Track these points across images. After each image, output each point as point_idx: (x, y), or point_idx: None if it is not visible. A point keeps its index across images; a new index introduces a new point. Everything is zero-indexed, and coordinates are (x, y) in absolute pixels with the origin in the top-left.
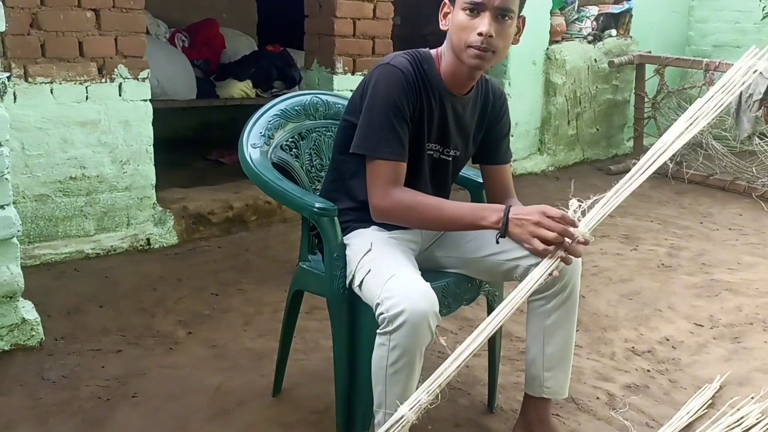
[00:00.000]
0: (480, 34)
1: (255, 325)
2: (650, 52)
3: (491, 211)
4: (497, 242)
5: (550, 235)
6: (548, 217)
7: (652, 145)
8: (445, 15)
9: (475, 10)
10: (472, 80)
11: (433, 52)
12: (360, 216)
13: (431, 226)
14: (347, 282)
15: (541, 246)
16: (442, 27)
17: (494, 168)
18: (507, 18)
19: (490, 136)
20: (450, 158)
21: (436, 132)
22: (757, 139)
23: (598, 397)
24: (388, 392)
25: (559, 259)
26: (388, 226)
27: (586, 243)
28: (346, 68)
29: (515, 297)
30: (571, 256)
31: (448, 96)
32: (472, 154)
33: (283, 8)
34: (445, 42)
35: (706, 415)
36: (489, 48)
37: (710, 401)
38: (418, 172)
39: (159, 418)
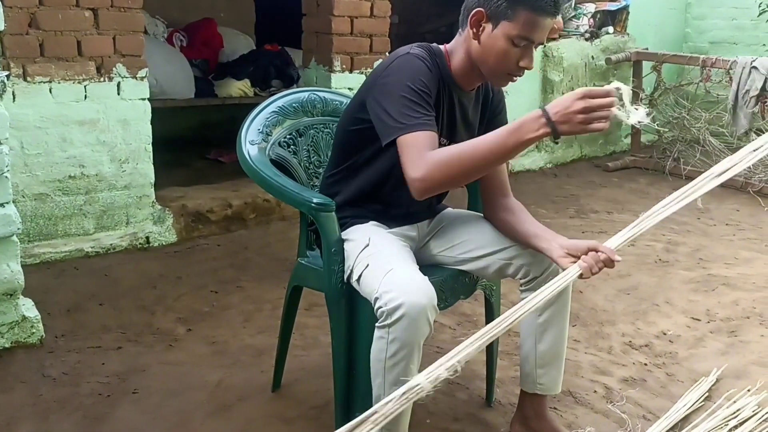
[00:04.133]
0: (523, 67)
1: (254, 321)
2: (647, 48)
3: (531, 123)
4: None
5: (603, 113)
6: (591, 97)
7: (649, 141)
8: (478, 25)
9: (523, 44)
10: (481, 81)
11: (442, 47)
12: (358, 212)
13: (477, 169)
14: (345, 277)
15: (601, 125)
16: (472, 36)
17: None
18: (538, 47)
19: (490, 127)
20: None
21: (444, 124)
22: (754, 134)
23: (595, 391)
24: (387, 385)
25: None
26: (385, 222)
27: (612, 264)
28: (344, 66)
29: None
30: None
31: (457, 90)
32: None
33: (280, 7)
34: (459, 43)
35: (703, 407)
36: (522, 75)
37: (707, 394)
38: None
39: (159, 414)
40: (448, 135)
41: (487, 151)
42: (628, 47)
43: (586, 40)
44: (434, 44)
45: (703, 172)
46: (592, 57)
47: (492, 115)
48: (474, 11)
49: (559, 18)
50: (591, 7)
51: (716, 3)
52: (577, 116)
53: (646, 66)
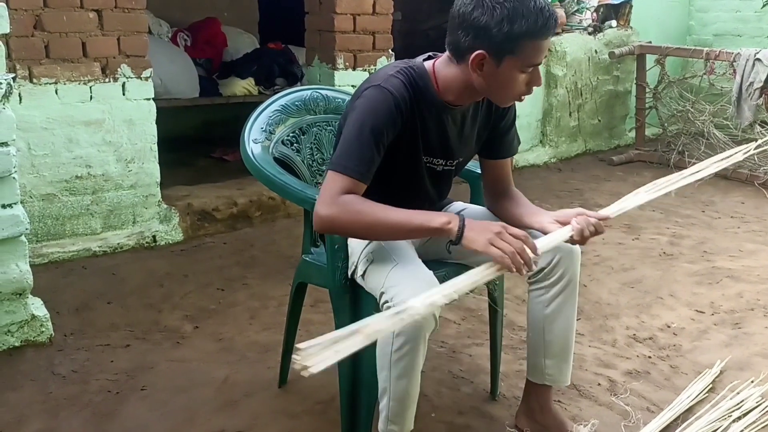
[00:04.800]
0: (532, 87)
1: (260, 318)
2: (651, 42)
3: (444, 216)
4: (448, 251)
5: (508, 248)
6: (510, 233)
7: (654, 135)
8: (481, 65)
9: (530, 69)
10: (475, 100)
11: (428, 65)
12: None
13: (378, 232)
14: (349, 273)
15: (498, 254)
16: (474, 71)
17: (495, 162)
18: None
19: (495, 133)
20: (454, 166)
21: (437, 146)
22: (758, 127)
23: (599, 384)
24: (393, 378)
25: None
26: None
27: (602, 229)
28: (347, 64)
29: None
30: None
31: (446, 110)
32: (475, 153)
33: (283, 5)
34: (450, 68)
35: (707, 399)
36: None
37: (710, 386)
38: (416, 186)
39: (167, 411)
40: (443, 155)
41: (395, 219)
42: (631, 41)
43: (590, 34)
44: (419, 63)
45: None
46: (596, 51)
47: (499, 118)
48: (474, 54)
49: (562, 12)
50: (594, 1)
51: None
52: (489, 233)
53: (650, 59)
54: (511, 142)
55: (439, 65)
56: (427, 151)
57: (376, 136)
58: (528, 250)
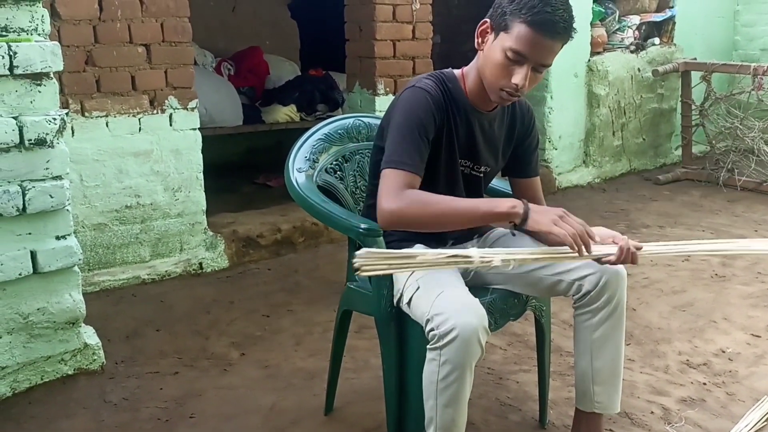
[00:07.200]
0: (515, 84)
1: (306, 345)
2: (695, 58)
3: (508, 200)
4: (513, 234)
5: (570, 229)
6: (571, 218)
7: (701, 153)
8: (483, 35)
9: (517, 60)
10: None
11: (457, 72)
12: (404, 236)
13: (447, 221)
14: (395, 300)
15: (562, 233)
16: (477, 46)
17: (525, 181)
18: (542, 70)
19: (520, 150)
20: (481, 174)
21: (465, 148)
22: None
23: (652, 412)
24: (439, 407)
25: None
26: (432, 245)
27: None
28: (388, 89)
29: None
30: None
31: (474, 113)
32: (500, 168)
33: (324, 33)
34: (474, 61)
35: (766, 427)
36: (518, 94)
37: None
38: (454, 188)
39: None
40: (470, 158)
41: (463, 208)
42: (675, 58)
43: (632, 52)
44: (449, 69)
45: (759, 183)
46: (639, 69)
47: (523, 135)
48: (482, 22)
49: (603, 32)
50: (636, 19)
51: (766, 9)
52: (552, 215)
53: (695, 76)
54: (537, 161)
55: (467, 67)
56: (459, 152)
57: (420, 129)
58: (587, 234)
